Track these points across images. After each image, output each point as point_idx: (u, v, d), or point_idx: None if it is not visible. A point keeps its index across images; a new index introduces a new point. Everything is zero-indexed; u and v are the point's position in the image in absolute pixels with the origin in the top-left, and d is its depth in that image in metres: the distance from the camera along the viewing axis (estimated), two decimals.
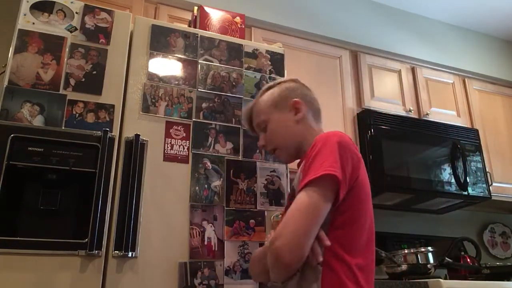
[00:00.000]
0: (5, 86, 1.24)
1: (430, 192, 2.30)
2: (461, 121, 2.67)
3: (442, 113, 2.63)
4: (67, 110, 1.29)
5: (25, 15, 1.34)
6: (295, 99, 1.16)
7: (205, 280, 1.26)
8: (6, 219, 1.15)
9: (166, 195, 1.32)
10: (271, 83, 1.24)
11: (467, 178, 2.37)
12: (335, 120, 2.31)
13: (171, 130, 1.39)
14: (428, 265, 1.98)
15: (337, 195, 0.90)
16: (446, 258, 2.12)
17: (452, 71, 2.84)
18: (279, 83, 1.23)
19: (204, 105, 1.47)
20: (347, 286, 0.89)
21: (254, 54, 1.62)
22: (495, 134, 2.77)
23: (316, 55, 2.43)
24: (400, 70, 2.64)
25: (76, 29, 1.39)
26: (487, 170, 2.51)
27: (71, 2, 1.41)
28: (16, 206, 1.18)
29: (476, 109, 2.77)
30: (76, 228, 1.20)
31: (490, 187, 2.48)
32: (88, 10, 1.43)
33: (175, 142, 1.38)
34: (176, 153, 1.37)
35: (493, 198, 2.47)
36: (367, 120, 2.31)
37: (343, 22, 2.61)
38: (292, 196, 1.03)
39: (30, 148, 1.20)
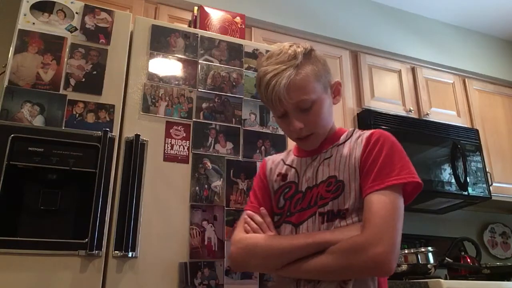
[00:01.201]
0: (5, 86, 1.24)
1: (430, 192, 2.30)
2: (461, 121, 2.67)
3: (442, 113, 2.63)
4: (67, 110, 1.29)
5: (25, 15, 1.34)
6: (338, 81, 1.03)
7: (205, 280, 1.26)
8: (6, 219, 1.15)
9: (166, 195, 1.32)
10: (301, 47, 0.96)
11: (467, 178, 2.37)
12: (335, 120, 2.29)
13: (171, 130, 1.39)
14: (428, 265, 1.98)
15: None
16: (446, 258, 2.12)
17: (452, 71, 2.84)
18: (311, 50, 0.98)
19: (204, 105, 1.47)
20: (386, 282, 0.94)
21: (254, 54, 1.62)
22: (495, 134, 2.77)
23: None
24: (400, 70, 2.64)
25: (76, 29, 1.39)
26: (487, 170, 2.51)
27: (71, 2, 1.41)
28: (16, 206, 1.18)
29: (476, 109, 2.77)
30: (76, 228, 1.20)
31: (490, 187, 2.48)
32: (88, 10, 1.43)
33: (175, 142, 1.38)
34: (176, 153, 1.37)
35: (493, 198, 2.47)
36: (367, 120, 2.30)
37: (343, 22, 2.61)
38: (332, 185, 0.93)
39: (30, 148, 1.20)
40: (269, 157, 1.13)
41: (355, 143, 0.96)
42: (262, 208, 1.02)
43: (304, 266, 0.88)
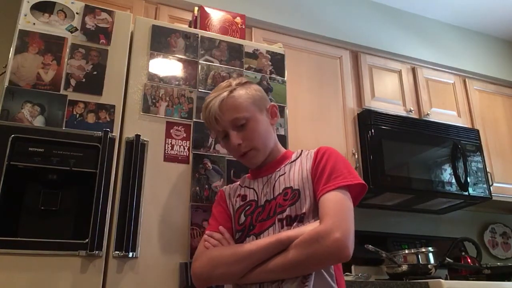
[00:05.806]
0: (5, 86, 1.24)
1: (430, 192, 2.30)
2: (461, 121, 2.67)
3: (443, 113, 2.63)
4: (68, 110, 1.29)
5: (25, 15, 1.34)
6: (273, 104, 1.19)
7: None
8: (6, 220, 1.15)
9: (167, 196, 1.32)
10: (237, 80, 1.17)
11: (468, 178, 2.37)
12: (335, 120, 2.31)
13: (171, 131, 1.39)
14: (429, 266, 1.98)
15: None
16: (447, 258, 2.12)
17: (453, 71, 2.84)
18: (246, 82, 1.17)
19: None
20: (342, 276, 1.02)
21: (254, 55, 1.62)
22: (496, 134, 2.77)
23: (317, 55, 2.43)
24: (401, 70, 2.64)
25: (76, 29, 1.39)
26: (487, 170, 2.52)
27: (72, 3, 1.41)
28: (16, 207, 1.18)
29: (477, 109, 2.77)
30: (77, 229, 1.20)
31: (491, 187, 2.48)
32: (89, 10, 1.43)
33: (175, 143, 1.38)
34: (176, 154, 1.37)
35: (493, 198, 2.47)
36: (367, 120, 2.31)
37: (343, 22, 2.61)
38: (289, 194, 1.03)
39: (30, 149, 1.20)
40: (224, 187, 1.25)
41: (305, 158, 1.09)
42: (220, 226, 1.10)
43: (269, 266, 0.93)
